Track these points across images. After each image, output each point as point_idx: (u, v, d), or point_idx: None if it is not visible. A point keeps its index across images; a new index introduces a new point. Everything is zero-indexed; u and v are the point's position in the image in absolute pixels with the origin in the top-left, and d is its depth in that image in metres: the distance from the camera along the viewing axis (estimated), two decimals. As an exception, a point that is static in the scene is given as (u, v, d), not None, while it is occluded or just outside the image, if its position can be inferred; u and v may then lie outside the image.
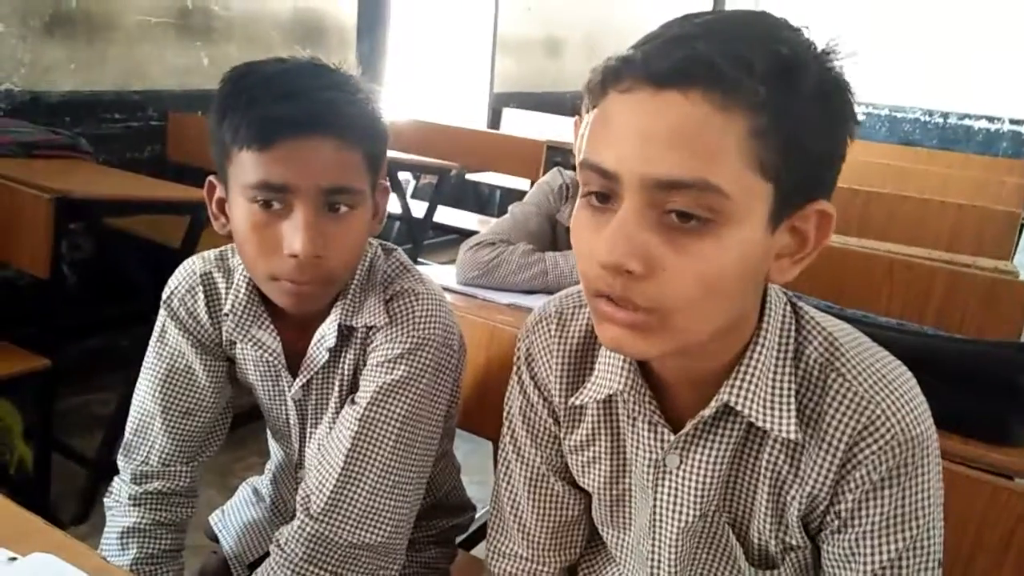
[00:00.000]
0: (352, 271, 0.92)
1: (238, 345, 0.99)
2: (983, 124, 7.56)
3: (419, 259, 3.37)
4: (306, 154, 0.82)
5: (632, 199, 0.58)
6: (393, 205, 3.18)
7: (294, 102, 0.81)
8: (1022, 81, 7.14)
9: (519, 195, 3.41)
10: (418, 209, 3.31)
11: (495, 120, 4.65)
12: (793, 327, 0.71)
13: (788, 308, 0.72)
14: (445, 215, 3.41)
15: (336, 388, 0.96)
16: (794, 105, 0.57)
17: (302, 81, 0.83)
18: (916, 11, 7.43)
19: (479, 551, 1.23)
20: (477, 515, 1.25)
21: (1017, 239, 2.65)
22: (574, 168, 1.68)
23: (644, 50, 0.58)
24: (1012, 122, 7.40)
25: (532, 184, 3.14)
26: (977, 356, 1.12)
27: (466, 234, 3.23)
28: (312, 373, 0.96)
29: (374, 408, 0.90)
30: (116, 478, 1.04)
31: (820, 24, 0.61)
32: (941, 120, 7.73)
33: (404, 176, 3.75)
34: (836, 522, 0.71)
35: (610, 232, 0.59)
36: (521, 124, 4.40)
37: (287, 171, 0.81)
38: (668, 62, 0.56)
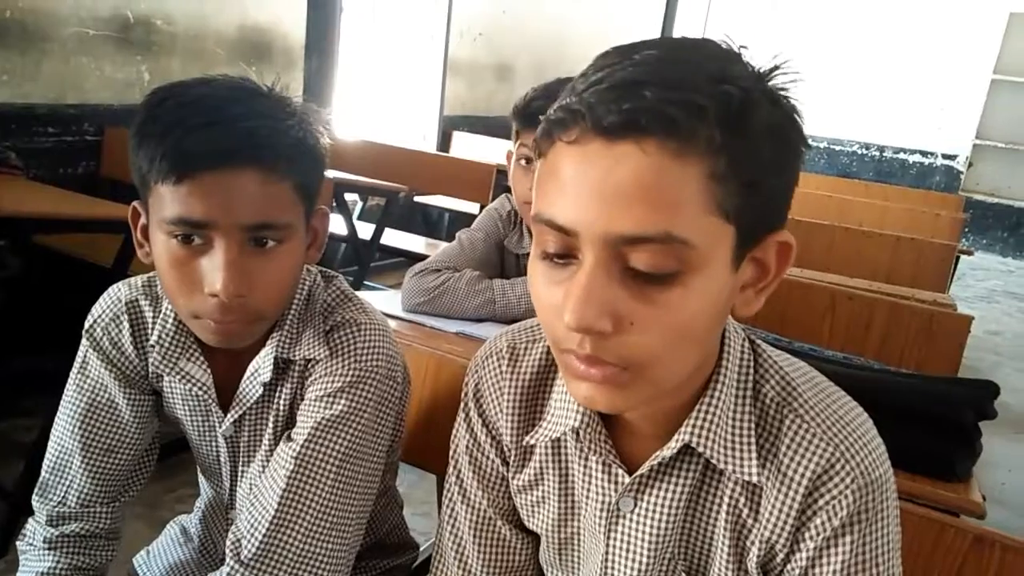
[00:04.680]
0: (285, 304, 0.87)
1: (165, 378, 0.93)
2: (917, 158, 7.86)
3: (365, 282, 3.31)
4: (227, 188, 0.75)
5: (594, 256, 0.56)
6: (339, 227, 3.12)
7: (213, 131, 0.74)
8: (954, 117, 7.45)
9: (468, 218, 3.40)
10: (365, 231, 3.26)
11: (445, 143, 4.64)
12: (752, 365, 0.70)
13: (746, 344, 0.71)
14: (392, 237, 3.36)
15: (270, 424, 0.91)
16: (749, 145, 0.55)
17: (224, 107, 0.76)
18: (853, 47, 7.70)
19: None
20: (421, 549, 1.21)
21: (952, 271, 2.73)
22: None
23: (587, 100, 0.55)
24: (945, 157, 7.70)
25: (481, 208, 3.12)
26: (924, 392, 1.12)
27: (413, 257, 3.21)
28: (245, 408, 0.91)
29: (312, 445, 0.85)
30: (31, 519, 0.96)
31: (760, 60, 0.59)
32: (877, 153, 8.01)
33: (351, 197, 3.69)
34: (796, 571, 0.69)
35: (576, 295, 0.56)
36: (471, 147, 4.39)
37: (206, 206, 0.75)
38: (617, 114, 0.53)
